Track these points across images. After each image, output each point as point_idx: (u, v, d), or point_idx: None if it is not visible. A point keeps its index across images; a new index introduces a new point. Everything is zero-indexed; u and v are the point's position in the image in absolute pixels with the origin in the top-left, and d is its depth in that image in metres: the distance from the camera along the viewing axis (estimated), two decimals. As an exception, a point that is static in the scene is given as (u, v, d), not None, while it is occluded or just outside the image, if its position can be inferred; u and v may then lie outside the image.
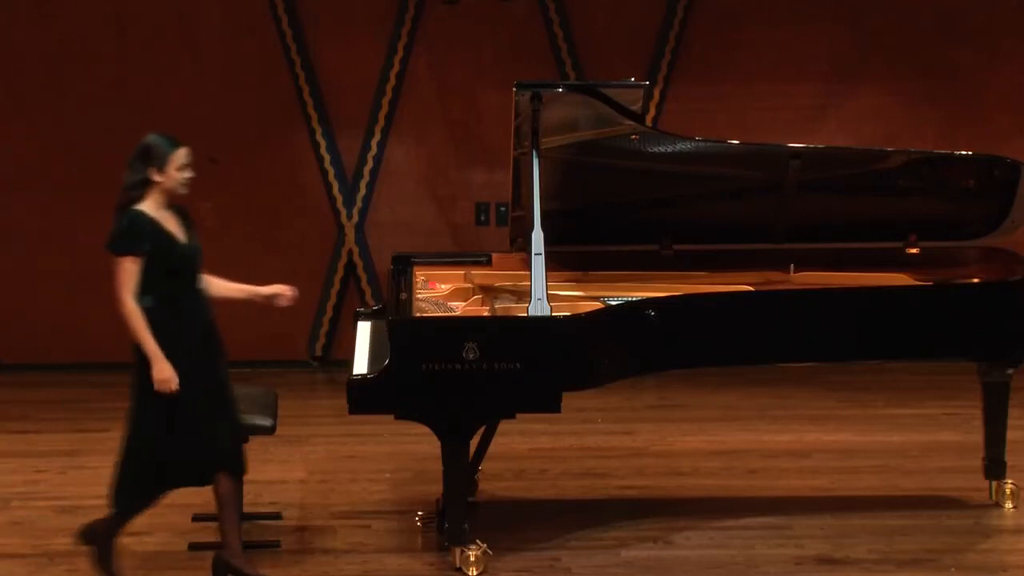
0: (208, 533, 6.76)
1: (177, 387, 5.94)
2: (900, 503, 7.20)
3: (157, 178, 6.00)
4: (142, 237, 5.94)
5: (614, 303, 6.67)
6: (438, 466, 6.35)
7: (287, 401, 6.77)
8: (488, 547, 6.30)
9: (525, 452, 8.08)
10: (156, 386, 5.95)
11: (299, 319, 10.00)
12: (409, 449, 7.94)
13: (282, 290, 6.38)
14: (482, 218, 10.26)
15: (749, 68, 10.24)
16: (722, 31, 10.24)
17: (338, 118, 10.19)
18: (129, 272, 5.93)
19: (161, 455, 6.01)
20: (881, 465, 7.86)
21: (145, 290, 5.96)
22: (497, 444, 7.11)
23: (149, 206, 5.99)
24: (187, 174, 6.06)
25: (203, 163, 10.04)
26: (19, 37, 9.99)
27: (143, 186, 6.00)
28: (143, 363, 5.98)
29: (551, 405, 6.26)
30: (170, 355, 5.95)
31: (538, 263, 6.27)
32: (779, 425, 8.71)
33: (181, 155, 6.06)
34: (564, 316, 6.31)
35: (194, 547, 6.59)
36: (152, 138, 6.09)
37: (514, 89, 6.41)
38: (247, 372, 9.30)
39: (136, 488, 6.09)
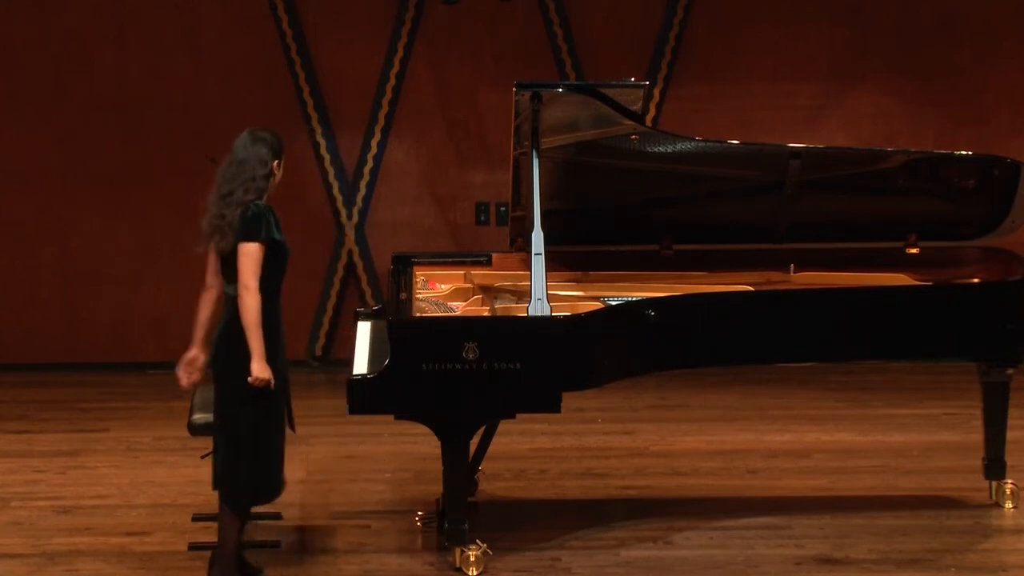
0: (208, 533, 6.76)
1: (270, 387, 5.98)
2: (900, 503, 7.20)
3: (277, 172, 6.16)
4: (270, 226, 6.00)
5: (614, 303, 6.67)
6: (438, 466, 6.35)
7: (287, 401, 6.77)
8: (488, 547, 6.30)
9: (525, 452, 8.09)
10: (255, 381, 5.92)
11: (299, 319, 10.00)
12: (409, 449, 7.94)
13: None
14: (482, 218, 10.26)
15: (749, 68, 10.24)
16: (722, 31, 10.24)
17: (338, 118, 10.19)
18: (257, 260, 5.96)
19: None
20: (881, 465, 7.86)
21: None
22: (497, 444, 7.11)
23: (265, 199, 6.10)
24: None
25: (203, 163, 10.12)
26: (19, 37, 10.00)
27: (270, 177, 6.12)
28: (236, 358, 5.96)
29: (551, 405, 6.25)
30: (268, 355, 5.98)
31: (538, 263, 6.27)
32: (779, 425, 8.71)
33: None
34: (564, 316, 6.31)
35: (194, 547, 6.59)
36: (265, 131, 6.24)
37: (514, 89, 6.41)
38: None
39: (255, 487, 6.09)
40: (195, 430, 6.55)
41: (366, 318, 6.99)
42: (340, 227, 10.22)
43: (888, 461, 7.93)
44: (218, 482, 6.10)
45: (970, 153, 7.95)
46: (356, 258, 10.26)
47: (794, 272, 7.32)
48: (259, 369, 5.92)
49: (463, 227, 10.28)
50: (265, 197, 6.12)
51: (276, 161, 6.16)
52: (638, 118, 6.78)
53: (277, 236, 6.03)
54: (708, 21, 10.21)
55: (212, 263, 6.21)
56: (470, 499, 6.76)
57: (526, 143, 6.54)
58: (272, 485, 6.14)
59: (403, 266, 7.30)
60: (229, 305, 6.09)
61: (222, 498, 6.10)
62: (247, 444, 6.02)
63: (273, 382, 5.95)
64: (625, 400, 9.12)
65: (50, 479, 7.67)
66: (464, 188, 10.28)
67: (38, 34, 9.99)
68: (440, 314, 6.63)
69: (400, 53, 10.12)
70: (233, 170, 6.09)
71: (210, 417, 6.52)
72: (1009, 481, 7.13)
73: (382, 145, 10.20)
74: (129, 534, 6.80)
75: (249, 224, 5.98)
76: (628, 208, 7.33)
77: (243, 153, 6.12)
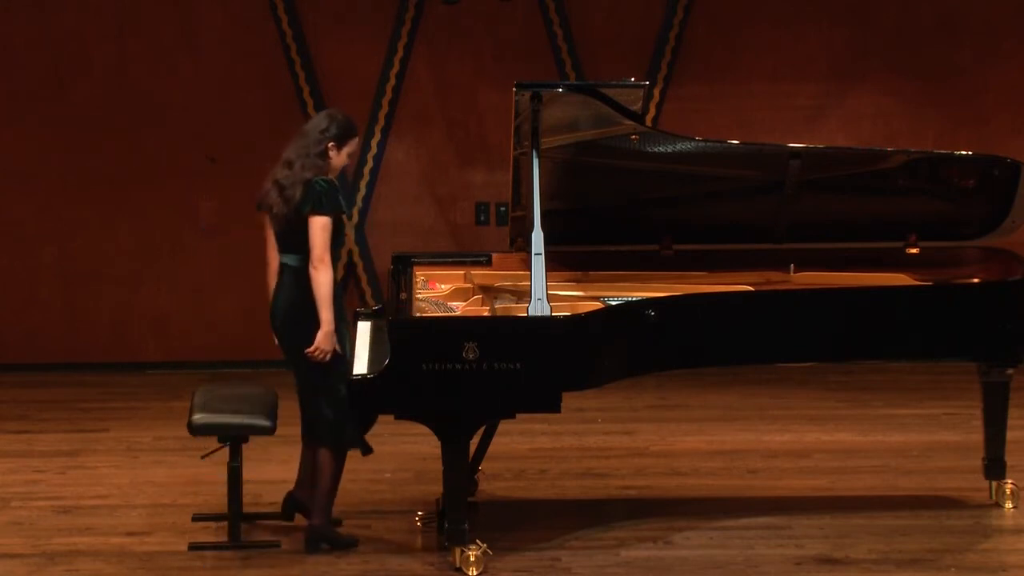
0: (208, 533, 6.77)
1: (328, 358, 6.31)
2: (900, 503, 7.20)
3: (332, 153, 6.36)
4: (339, 199, 6.29)
5: (614, 303, 6.67)
6: (438, 466, 6.35)
7: (287, 401, 6.77)
8: (488, 547, 6.29)
9: (525, 452, 8.08)
10: (315, 351, 6.24)
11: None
12: (409, 449, 7.94)
13: None
14: (482, 218, 10.26)
15: (749, 68, 10.24)
16: (722, 31, 10.24)
17: (338, 118, 10.18)
18: (329, 234, 6.25)
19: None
20: (881, 465, 7.86)
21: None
22: (497, 444, 7.11)
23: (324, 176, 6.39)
24: (350, 163, 6.58)
25: (203, 163, 10.12)
26: (19, 37, 9.99)
27: (324, 157, 6.35)
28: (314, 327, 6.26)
29: (551, 405, 6.25)
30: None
31: (538, 263, 6.27)
32: (779, 425, 8.71)
33: (356, 142, 6.51)
34: (564, 316, 6.31)
35: (194, 547, 6.59)
36: (339, 113, 6.48)
37: (514, 89, 6.41)
38: (247, 372, 9.32)
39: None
40: (195, 430, 6.56)
41: (366, 318, 6.99)
42: (340, 227, 10.21)
43: (888, 461, 7.93)
44: (326, 438, 6.46)
45: (970, 153, 7.95)
46: (356, 258, 10.26)
47: (794, 272, 7.32)
48: (324, 341, 6.24)
49: (463, 227, 10.28)
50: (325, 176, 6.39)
51: (333, 143, 6.38)
52: (638, 118, 6.77)
53: (345, 211, 6.36)
54: (708, 21, 10.21)
55: (270, 238, 6.51)
56: (470, 499, 6.75)
57: (526, 143, 6.54)
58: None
59: (403, 266, 7.30)
60: (290, 276, 6.38)
61: (328, 445, 6.46)
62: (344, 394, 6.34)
63: (337, 347, 6.31)
64: (625, 400, 9.11)
65: (50, 479, 7.66)
66: (464, 188, 10.28)
67: (38, 34, 9.98)
68: (440, 314, 6.63)
69: (400, 53, 10.12)
70: (299, 141, 6.42)
71: (210, 417, 6.54)
72: (1009, 481, 7.12)
73: (382, 145, 10.20)
74: (129, 534, 6.80)
75: (322, 198, 6.27)
76: (628, 208, 7.33)
77: (309, 126, 6.48)
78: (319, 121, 6.45)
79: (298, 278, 6.33)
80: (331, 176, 6.41)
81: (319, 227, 6.23)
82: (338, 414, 6.39)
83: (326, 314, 6.24)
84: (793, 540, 6.68)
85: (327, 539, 6.55)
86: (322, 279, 6.23)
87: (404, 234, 10.12)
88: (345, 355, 6.40)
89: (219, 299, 10.07)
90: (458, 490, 6.32)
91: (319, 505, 6.52)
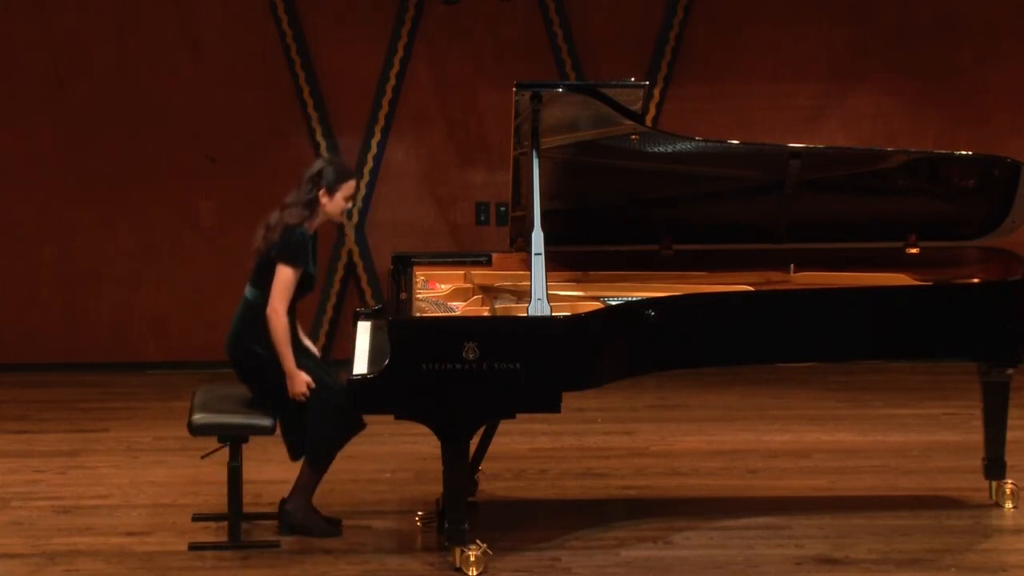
0: (208, 533, 6.77)
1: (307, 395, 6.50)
2: (900, 503, 7.20)
3: (324, 200, 6.46)
4: (308, 255, 6.41)
5: (614, 303, 6.67)
6: (438, 466, 6.35)
7: (287, 401, 6.78)
8: (488, 547, 6.30)
9: (525, 452, 8.09)
10: (291, 396, 6.46)
11: (299, 319, 9.96)
12: (409, 449, 7.94)
13: None
14: (482, 218, 10.26)
15: (749, 68, 10.24)
16: (722, 31, 10.24)
17: (338, 118, 10.19)
18: (291, 285, 6.38)
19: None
20: (881, 465, 7.86)
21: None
22: (497, 444, 7.12)
23: (310, 226, 6.49)
24: (349, 205, 6.58)
25: (203, 163, 10.12)
26: (19, 37, 9.99)
27: (313, 205, 6.46)
28: (258, 358, 6.52)
29: (551, 405, 6.26)
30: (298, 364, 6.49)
31: (538, 263, 6.27)
32: (779, 425, 8.71)
33: (351, 186, 6.56)
34: (564, 316, 6.31)
35: (194, 547, 6.60)
36: (329, 160, 6.60)
37: (514, 89, 6.41)
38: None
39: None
40: (195, 430, 6.56)
41: (366, 318, 7.00)
42: (340, 227, 10.22)
43: (888, 461, 7.93)
44: (304, 454, 6.66)
45: (970, 153, 7.95)
46: (356, 258, 10.26)
47: (794, 272, 7.32)
48: (292, 386, 6.45)
49: (463, 227, 10.28)
50: (312, 224, 6.51)
51: (324, 190, 6.49)
52: (638, 118, 6.77)
53: (312, 270, 6.48)
54: (708, 21, 10.21)
55: None
56: (470, 499, 6.76)
57: (526, 143, 6.54)
58: (352, 424, 6.58)
59: (403, 266, 7.30)
60: (243, 308, 6.60)
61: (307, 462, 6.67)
62: (317, 411, 6.50)
63: (309, 381, 6.47)
64: (625, 400, 9.11)
65: (50, 479, 7.66)
66: (464, 188, 10.28)
67: (38, 34, 9.98)
68: (440, 314, 6.63)
69: (400, 53, 10.12)
70: (297, 188, 6.56)
71: (210, 417, 6.55)
72: (1009, 481, 7.13)
73: (382, 145, 10.20)
74: (129, 534, 6.80)
75: (292, 249, 6.41)
76: (628, 208, 7.33)
77: (305, 173, 6.59)
78: (313, 167, 6.57)
79: (248, 312, 6.57)
80: (337, 219, 6.67)
81: (283, 278, 6.40)
82: (313, 428, 6.57)
83: (283, 360, 6.45)
84: (793, 540, 6.68)
85: (300, 524, 6.64)
86: (275, 327, 6.43)
87: (404, 234, 10.12)
88: (323, 380, 6.53)
89: (219, 299, 10.04)
90: (458, 490, 6.32)
91: (297, 487, 6.66)
